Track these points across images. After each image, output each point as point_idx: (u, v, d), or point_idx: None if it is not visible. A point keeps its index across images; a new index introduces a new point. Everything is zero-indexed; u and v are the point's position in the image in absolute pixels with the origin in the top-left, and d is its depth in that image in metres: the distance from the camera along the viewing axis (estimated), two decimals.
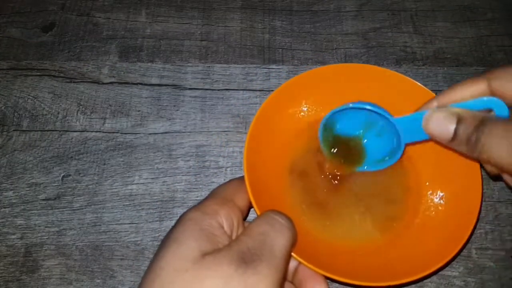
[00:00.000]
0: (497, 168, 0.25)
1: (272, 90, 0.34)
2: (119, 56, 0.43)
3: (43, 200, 0.36)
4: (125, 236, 0.35)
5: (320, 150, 0.34)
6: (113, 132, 0.39)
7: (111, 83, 0.42)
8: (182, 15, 0.46)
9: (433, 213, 0.33)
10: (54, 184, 0.37)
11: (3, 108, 0.40)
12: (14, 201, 0.36)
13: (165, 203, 0.36)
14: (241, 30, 0.45)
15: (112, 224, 0.35)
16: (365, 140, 0.34)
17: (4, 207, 0.36)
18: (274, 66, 0.42)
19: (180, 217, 0.25)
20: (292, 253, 0.27)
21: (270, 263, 0.22)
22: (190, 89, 0.41)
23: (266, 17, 0.46)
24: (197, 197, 0.36)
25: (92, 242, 0.35)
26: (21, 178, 0.37)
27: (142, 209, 0.36)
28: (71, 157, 0.38)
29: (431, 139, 0.27)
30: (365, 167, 0.33)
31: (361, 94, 0.34)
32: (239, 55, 0.43)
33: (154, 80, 0.42)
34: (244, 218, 0.29)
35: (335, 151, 0.33)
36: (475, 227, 0.29)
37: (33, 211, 0.36)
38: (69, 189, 0.37)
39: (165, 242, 0.23)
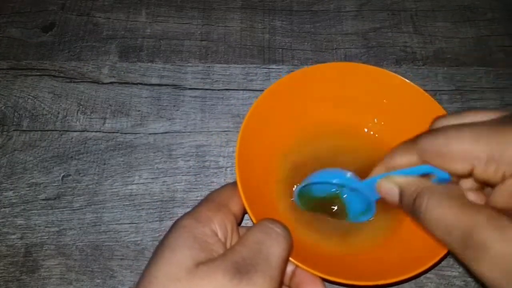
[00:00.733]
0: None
1: None
2: (119, 56, 0.43)
3: (43, 200, 0.36)
4: (125, 236, 0.35)
5: (313, 156, 0.35)
6: (113, 132, 0.39)
7: (111, 83, 0.42)
8: (182, 15, 0.46)
9: None
10: (54, 184, 0.37)
11: (3, 108, 0.40)
12: (14, 201, 0.36)
13: (165, 203, 0.36)
14: (241, 30, 0.45)
15: (112, 224, 0.35)
16: (345, 196, 0.34)
17: (4, 207, 0.36)
18: (274, 66, 0.42)
19: (174, 223, 0.25)
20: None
21: (265, 273, 0.22)
22: (190, 89, 0.41)
23: (266, 17, 0.46)
24: (197, 197, 0.36)
25: (92, 242, 0.35)
26: (21, 178, 0.37)
27: (142, 209, 0.36)
28: (71, 157, 0.38)
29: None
30: (352, 220, 0.33)
31: (353, 92, 0.36)
32: (239, 55, 0.43)
33: (154, 80, 0.42)
34: (239, 224, 0.28)
35: (317, 212, 0.33)
36: None
37: (33, 211, 0.36)
38: (69, 189, 0.37)
39: (159, 249, 0.23)
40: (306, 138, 0.36)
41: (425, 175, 0.25)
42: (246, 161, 0.32)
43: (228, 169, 0.38)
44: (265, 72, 0.42)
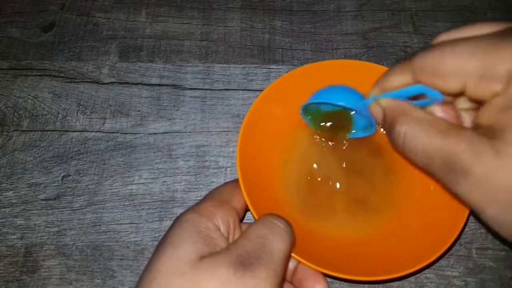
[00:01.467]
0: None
1: None
2: (119, 56, 0.43)
3: (43, 200, 0.36)
4: (125, 236, 0.35)
5: (313, 149, 0.35)
6: (113, 132, 0.39)
7: (111, 83, 0.42)
8: (182, 15, 0.46)
9: (427, 203, 0.33)
10: (54, 184, 0.37)
11: (3, 108, 0.40)
12: (14, 201, 0.36)
13: (165, 203, 0.36)
14: (241, 30, 0.45)
15: (112, 224, 0.35)
16: (353, 112, 0.34)
17: (4, 207, 0.36)
18: (274, 66, 0.42)
19: (177, 218, 0.25)
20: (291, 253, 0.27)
21: (268, 267, 0.22)
22: (190, 89, 0.41)
23: (266, 17, 0.46)
24: (197, 197, 0.36)
25: (92, 242, 0.35)
26: (21, 178, 0.37)
27: (142, 209, 0.36)
28: (71, 157, 0.38)
29: None
30: (354, 133, 0.34)
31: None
32: (239, 55, 0.43)
33: (154, 80, 0.42)
34: (241, 220, 0.29)
35: (325, 124, 0.35)
36: (469, 216, 0.30)
37: (33, 211, 0.36)
38: (69, 189, 0.37)
39: (162, 244, 0.23)
40: (306, 135, 0.37)
41: (418, 97, 0.25)
42: (247, 156, 0.32)
43: (228, 169, 0.38)
44: (265, 72, 0.42)
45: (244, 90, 0.41)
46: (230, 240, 0.25)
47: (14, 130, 0.39)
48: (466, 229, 0.35)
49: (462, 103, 0.25)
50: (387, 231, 0.33)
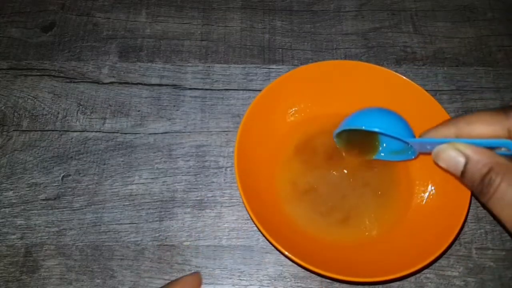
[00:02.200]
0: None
1: None
2: (119, 56, 0.43)
3: (43, 200, 0.36)
4: (125, 236, 0.35)
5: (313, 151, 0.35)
6: (113, 132, 0.39)
7: (111, 83, 0.42)
8: (182, 15, 0.46)
9: (425, 205, 0.33)
10: (54, 184, 0.37)
11: (3, 108, 0.40)
12: (14, 201, 0.36)
13: (165, 203, 0.36)
14: (241, 30, 0.45)
15: (112, 224, 0.35)
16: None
17: (4, 207, 0.36)
18: (274, 66, 0.42)
19: None
20: (289, 254, 0.28)
21: None
22: (190, 89, 0.41)
23: (266, 17, 0.45)
24: (197, 197, 0.36)
25: (92, 242, 0.35)
26: (21, 178, 0.37)
27: (142, 209, 0.36)
28: (71, 157, 0.38)
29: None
30: (382, 156, 0.34)
31: (352, 91, 0.36)
32: (239, 55, 0.43)
33: (154, 80, 0.42)
34: None
35: (349, 143, 0.34)
36: (467, 215, 0.30)
37: (33, 211, 0.36)
38: (69, 189, 0.37)
39: None
40: (306, 135, 0.37)
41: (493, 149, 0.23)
42: (246, 157, 0.32)
43: (228, 169, 0.38)
44: (265, 72, 0.42)
45: (244, 90, 0.41)
46: None
47: (14, 130, 0.39)
48: (466, 229, 0.35)
49: None
50: (387, 232, 0.33)
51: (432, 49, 0.44)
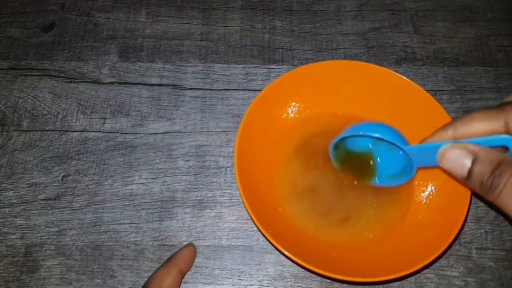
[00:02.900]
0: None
1: None
2: (119, 56, 0.43)
3: (43, 200, 0.36)
4: (125, 236, 0.35)
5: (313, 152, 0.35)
6: (113, 132, 0.39)
7: (111, 83, 0.42)
8: (182, 15, 0.46)
9: (425, 205, 0.33)
10: (54, 184, 0.37)
11: (3, 108, 0.40)
12: (14, 201, 0.36)
13: (165, 203, 0.36)
14: (241, 30, 0.45)
15: (112, 224, 0.35)
16: (378, 159, 0.34)
17: (4, 207, 0.36)
18: (274, 66, 0.42)
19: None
20: (289, 254, 0.28)
21: None
22: (190, 89, 0.41)
23: (266, 17, 0.45)
24: (197, 197, 0.36)
25: (92, 242, 0.35)
26: (21, 178, 0.37)
27: (142, 209, 0.36)
28: (71, 157, 0.38)
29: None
30: (377, 182, 0.34)
31: (352, 91, 0.36)
32: (239, 55, 0.43)
33: (154, 80, 0.42)
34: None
35: (345, 165, 0.34)
36: (467, 215, 0.30)
37: (33, 211, 0.36)
38: (69, 189, 0.37)
39: None
40: (306, 135, 0.37)
41: (499, 148, 0.23)
42: (245, 157, 0.32)
43: (228, 169, 0.38)
44: (265, 72, 0.42)
45: (244, 90, 0.41)
46: None
47: (14, 130, 0.39)
48: (466, 229, 0.35)
49: None
50: (387, 232, 0.33)
51: (432, 49, 0.44)
